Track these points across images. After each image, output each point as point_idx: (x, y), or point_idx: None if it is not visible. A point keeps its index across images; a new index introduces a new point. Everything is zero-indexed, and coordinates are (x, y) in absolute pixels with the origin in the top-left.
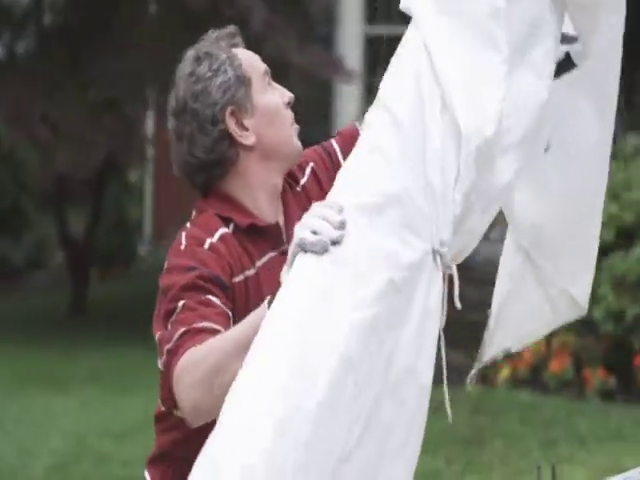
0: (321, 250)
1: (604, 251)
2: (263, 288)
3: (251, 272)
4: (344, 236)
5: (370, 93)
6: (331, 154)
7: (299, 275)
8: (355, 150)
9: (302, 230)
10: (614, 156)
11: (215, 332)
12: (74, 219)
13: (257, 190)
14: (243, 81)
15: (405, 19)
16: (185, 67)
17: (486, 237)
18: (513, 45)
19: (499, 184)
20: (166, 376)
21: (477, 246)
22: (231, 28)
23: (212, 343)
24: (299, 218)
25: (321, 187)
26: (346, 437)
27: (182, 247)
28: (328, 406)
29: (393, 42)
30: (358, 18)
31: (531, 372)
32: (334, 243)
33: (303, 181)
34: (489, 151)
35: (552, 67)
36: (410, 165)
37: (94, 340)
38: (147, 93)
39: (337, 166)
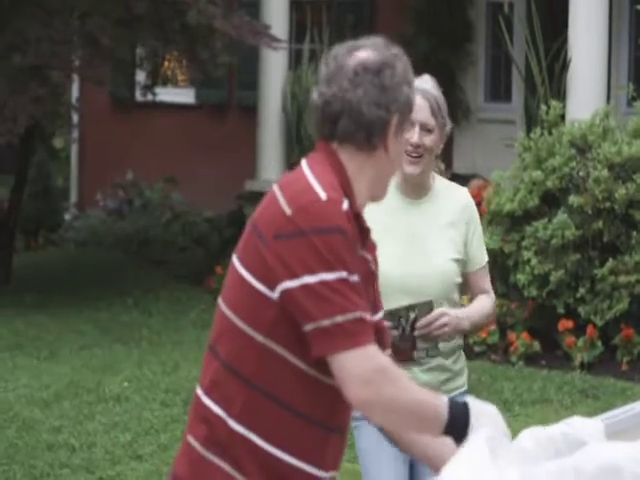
0: None
1: (528, 217)
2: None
3: (360, 254)
4: None
5: (296, 60)
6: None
7: None
8: None
9: None
10: (537, 122)
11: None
12: None
13: (365, 197)
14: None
15: None
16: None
17: None
18: None
19: None
20: (328, 339)
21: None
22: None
23: (411, 396)
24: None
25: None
26: None
27: (324, 197)
28: None
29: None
30: None
31: None
32: None
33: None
34: None
35: None
36: None
37: (20, 308)
38: (72, 59)
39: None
